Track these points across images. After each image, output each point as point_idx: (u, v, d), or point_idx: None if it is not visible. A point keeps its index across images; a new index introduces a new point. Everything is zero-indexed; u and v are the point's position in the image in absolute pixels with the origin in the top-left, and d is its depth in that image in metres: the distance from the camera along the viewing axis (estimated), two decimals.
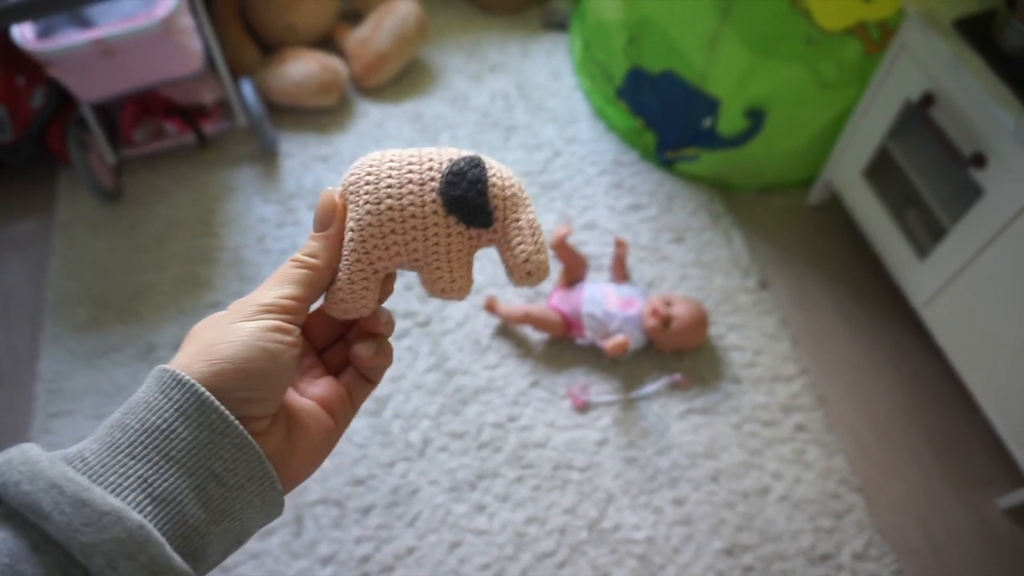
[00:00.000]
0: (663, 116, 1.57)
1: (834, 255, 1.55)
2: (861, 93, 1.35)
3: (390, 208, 0.35)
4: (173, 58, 1.43)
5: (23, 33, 1.30)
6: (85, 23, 1.40)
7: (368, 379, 0.39)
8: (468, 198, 0.35)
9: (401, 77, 1.80)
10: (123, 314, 1.45)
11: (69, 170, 1.65)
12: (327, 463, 1.28)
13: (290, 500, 1.25)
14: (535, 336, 1.42)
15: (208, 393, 0.30)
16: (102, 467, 0.28)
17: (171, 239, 1.55)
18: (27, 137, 1.57)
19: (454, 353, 1.40)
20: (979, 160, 1.10)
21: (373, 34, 1.73)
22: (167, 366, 0.31)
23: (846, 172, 1.44)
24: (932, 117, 1.17)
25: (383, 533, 1.22)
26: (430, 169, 0.36)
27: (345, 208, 0.36)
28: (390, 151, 0.37)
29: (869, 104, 1.33)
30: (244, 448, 0.31)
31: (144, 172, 1.65)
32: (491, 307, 1.41)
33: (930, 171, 1.25)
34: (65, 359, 1.40)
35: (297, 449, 0.34)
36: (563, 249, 1.38)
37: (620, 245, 1.41)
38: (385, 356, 0.38)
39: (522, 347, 1.41)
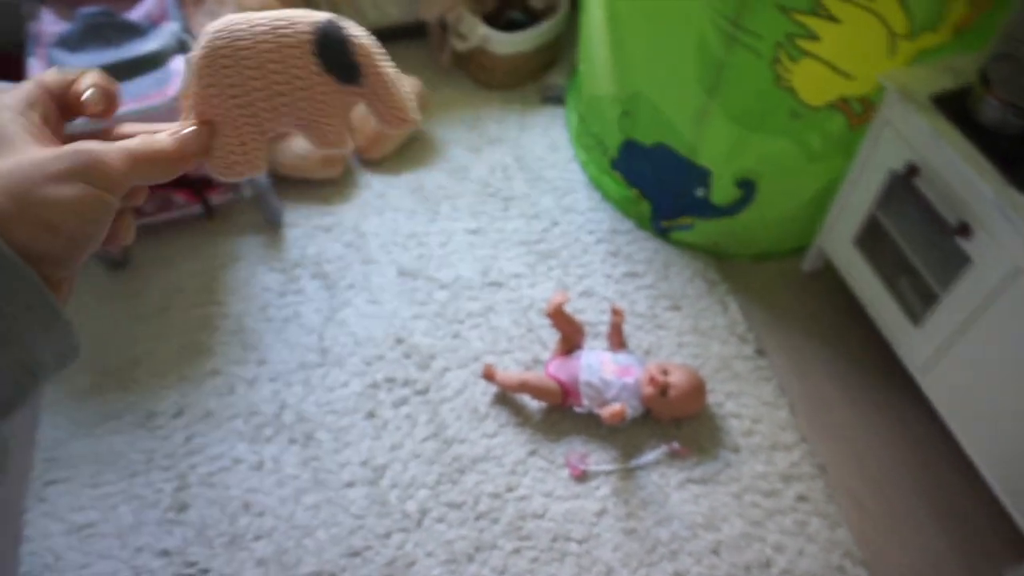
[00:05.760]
0: (657, 186, 1.61)
1: (830, 321, 1.56)
2: (848, 163, 1.39)
3: (274, 72, 0.38)
4: None
5: None
6: None
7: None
8: (341, 58, 0.38)
9: (403, 150, 1.86)
10: (124, 381, 1.46)
11: None
12: (322, 533, 1.27)
13: (283, 573, 1.23)
14: (533, 404, 1.42)
15: None
16: None
17: (174, 307, 1.58)
18: None
19: (452, 421, 1.40)
20: (964, 229, 1.12)
21: None
22: None
23: (838, 240, 1.47)
24: (917, 187, 1.20)
25: None
26: (302, 32, 0.38)
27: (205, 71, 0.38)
28: (247, 15, 0.39)
29: (856, 175, 1.36)
30: (22, 278, 0.30)
31: (150, 241, 1.69)
32: (489, 375, 1.41)
33: (919, 239, 1.27)
34: (63, 426, 1.40)
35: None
36: (560, 317, 1.40)
37: (616, 313, 1.42)
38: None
39: (520, 415, 1.41)
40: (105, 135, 0.37)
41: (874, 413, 1.43)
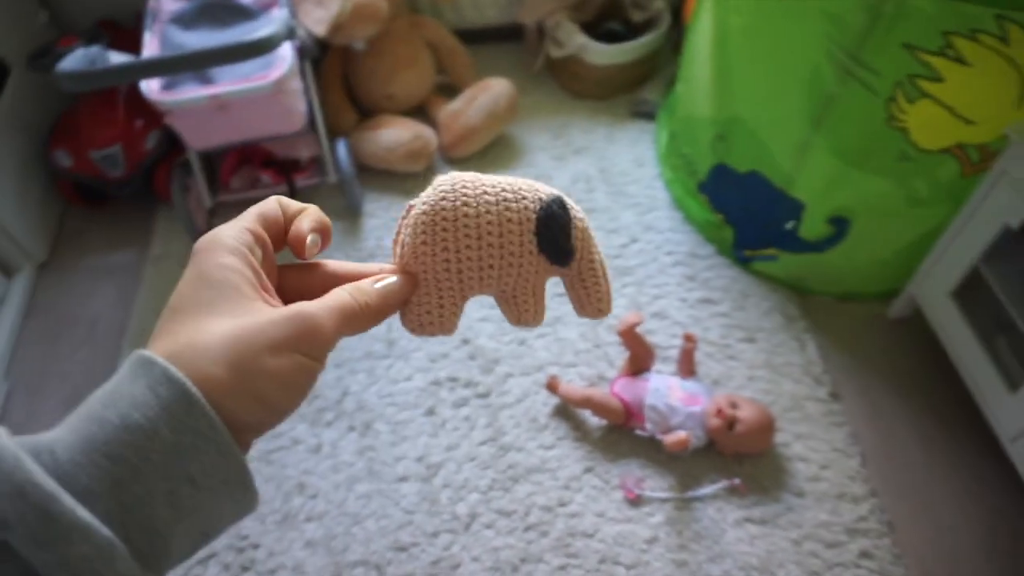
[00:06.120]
0: (744, 214, 1.57)
1: (913, 373, 1.49)
2: (953, 212, 1.31)
3: (490, 244, 0.37)
4: (279, 117, 1.52)
5: (149, 84, 1.41)
6: (205, 79, 1.51)
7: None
8: (559, 241, 0.38)
9: (487, 151, 1.86)
10: None
11: (168, 209, 1.75)
12: (371, 524, 1.28)
13: (330, 558, 1.25)
14: (593, 421, 1.40)
15: (198, 394, 0.29)
16: (73, 465, 0.27)
17: None
18: (136, 175, 1.68)
19: (510, 428, 1.39)
20: None
21: (466, 108, 1.80)
22: (156, 357, 0.29)
23: (932, 290, 1.40)
24: None
25: None
26: (525, 209, 0.37)
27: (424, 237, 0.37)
28: (477, 177, 0.38)
29: (963, 225, 1.29)
30: (227, 455, 0.30)
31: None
32: (553, 387, 1.40)
33: None
34: None
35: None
36: (631, 337, 1.37)
37: (690, 340, 1.39)
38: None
39: (579, 431, 1.39)
40: (311, 270, 0.38)
41: (953, 475, 1.36)
